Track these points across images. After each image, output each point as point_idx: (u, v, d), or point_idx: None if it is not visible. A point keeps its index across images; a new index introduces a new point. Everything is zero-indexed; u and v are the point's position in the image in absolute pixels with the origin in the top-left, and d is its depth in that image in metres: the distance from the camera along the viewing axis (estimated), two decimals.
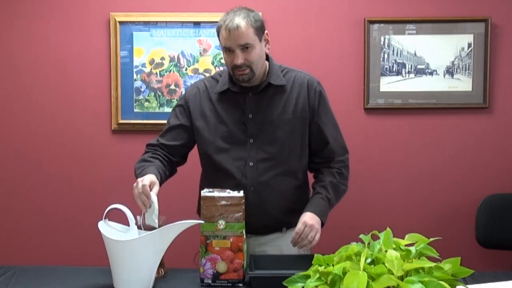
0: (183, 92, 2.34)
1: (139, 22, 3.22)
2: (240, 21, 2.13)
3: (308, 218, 2.17)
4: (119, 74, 3.23)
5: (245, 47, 2.14)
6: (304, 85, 2.27)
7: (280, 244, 2.28)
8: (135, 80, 3.25)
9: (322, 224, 2.22)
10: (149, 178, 2.06)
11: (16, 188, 3.31)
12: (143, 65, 3.24)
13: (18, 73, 3.27)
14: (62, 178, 3.29)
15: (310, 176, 2.40)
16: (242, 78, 2.19)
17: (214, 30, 3.18)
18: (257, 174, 2.23)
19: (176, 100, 3.24)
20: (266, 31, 2.23)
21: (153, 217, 2.02)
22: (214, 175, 2.28)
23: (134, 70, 3.24)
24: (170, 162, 2.32)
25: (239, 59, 2.15)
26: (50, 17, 3.24)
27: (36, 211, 3.30)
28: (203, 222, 2.02)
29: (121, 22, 3.21)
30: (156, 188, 2.06)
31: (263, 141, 2.24)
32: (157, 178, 2.11)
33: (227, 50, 2.18)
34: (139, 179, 2.04)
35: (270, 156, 2.23)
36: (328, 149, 2.30)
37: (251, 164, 2.23)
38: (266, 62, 2.27)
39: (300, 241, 2.15)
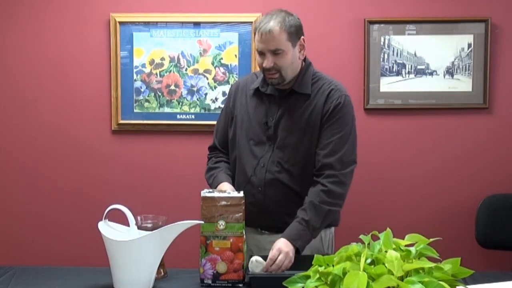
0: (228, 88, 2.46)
1: (139, 22, 3.22)
2: (274, 25, 2.14)
3: (283, 245, 2.09)
4: (119, 75, 3.23)
5: (276, 52, 2.15)
6: (324, 95, 2.24)
7: None
8: (135, 80, 3.25)
9: (298, 250, 2.13)
10: (228, 188, 2.20)
11: (15, 188, 3.30)
12: (143, 65, 3.24)
13: (18, 74, 3.26)
14: (62, 178, 3.29)
15: None
16: (271, 81, 2.22)
17: (214, 31, 3.22)
18: (265, 175, 2.25)
19: (176, 100, 3.24)
20: (302, 37, 2.22)
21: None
22: (235, 168, 2.35)
23: (134, 70, 3.24)
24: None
25: (269, 63, 2.16)
26: (50, 18, 3.24)
27: (36, 211, 3.30)
28: (203, 222, 2.02)
29: (121, 23, 3.21)
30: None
31: (277, 145, 2.26)
32: (229, 182, 2.27)
33: (260, 52, 2.20)
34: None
35: (279, 161, 2.25)
36: (322, 161, 2.20)
37: (262, 165, 2.26)
38: (301, 67, 2.26)
39: (274, 268, 2.05)
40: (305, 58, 2.29)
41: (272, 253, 2.07)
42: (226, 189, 2.17)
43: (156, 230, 1.93)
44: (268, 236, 2.29)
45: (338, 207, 2.24)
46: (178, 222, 1.94)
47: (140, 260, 1.92)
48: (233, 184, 2.28)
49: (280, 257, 2.05)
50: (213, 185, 2.27)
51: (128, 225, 2.03)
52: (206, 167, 2.41)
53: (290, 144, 2.24)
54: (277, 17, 2.16)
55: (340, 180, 2.19)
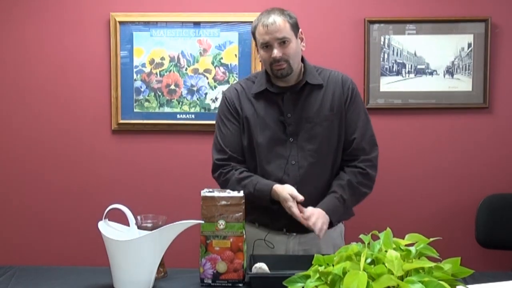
0: (222, 94, 2.38)
1: (139, 22, 3.22)
2: (276, 17, 2.19)
3: (316, 213, 2.15)
4: (119, 74, 3.23)
5: (283, 41, 2.18)
6: (338, 82, 2.30)
7: (319, 243, 2.25)
8: (135, 80, 3.25)
9: (331, 224, 2.21)
10: (288, 190, 2.16)
11: (15, 188, 3.31)
12: (143, 65, 3.24)
13: (18, 73, 3.27)
14: (62, 178, 3.29)
15: None
16: (280, 73, 2.22)
17: (214, 30, 3.22)
18: (299, 172, 2.25)
19: (176, 100, 3.24)
20: (300, 30, 2.27)
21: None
22: (259, 174, 2.28)
23: (134, 70, 3.24)
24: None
25: (278, 53, 2.18)
26: (50, 17, 3.24)
27: (36, 211, 3.30)
28: (203, 222, 2.02)
29: (121, 22, 3.21)
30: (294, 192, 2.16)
31: (303, 138, 2.26)
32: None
33: (265, 46, 2.21)
34: (289, 200, 2.13)
35: (311, 153, 2.25)
36: (354, 146, 2.28)
37: (293, 162, 2.25)
38: (301, 63, 2.30)
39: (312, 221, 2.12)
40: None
41: (306, 213, 2.13)
42: (292, 192, 2.15)
43: (156, 230, 1.93)
44: (295, 238, 2.29)
45: (370, 190, 2.33)
46: (178, 222, 1.94)
47: (140, 260, 1.92)
48: None
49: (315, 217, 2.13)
50: (258, 190, 2.20)
51: (128, 225, 2.03)
52: (227, 179, 2.26)
53: (319, 134, 2.25)
54: (275, 11, 2.21)
55: (373, 164, 2.30)
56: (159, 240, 1.93)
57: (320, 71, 2.34)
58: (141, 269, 1.94)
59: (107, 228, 2.01)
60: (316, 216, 2.14)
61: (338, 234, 2.36)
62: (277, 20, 2.17)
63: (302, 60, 2.31)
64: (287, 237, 2.30)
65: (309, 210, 2.16)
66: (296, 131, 2.26)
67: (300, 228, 2.21)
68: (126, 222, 2.03)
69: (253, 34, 2.26)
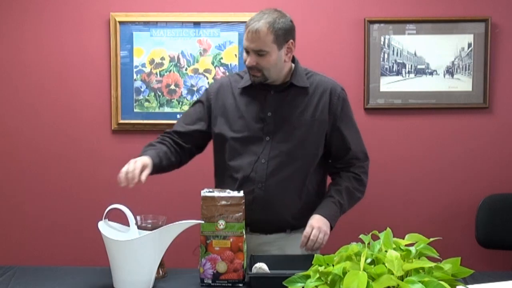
0: (205, 88, 2.38)
1: (139, 22, 3.22)
2: (262, 26, 2.14)
3: (316, 221, 2.18)
4: (119, 74, 3.23)
5: (260, 53, 2.16)
6: (327, 90, 2.28)
7: (283, 245, 2.27)
8: (135, 80, 3.25)
9: (331, 228, 2.22)
10: (142, 160, 2.13)
11: (15, 188, 3.30)
12: (143, 65, 3.24)
13: (18, 74, 3.26)
14: (62, 178, 3.29)
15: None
16: (253, 79, 2.23)
17: (214, 30, 3.22)
18: (267, 171, 2.23)
19: (176, 100, 3.24)
20: (291, 40, 2.21)
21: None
22: (227, 169, 2.29)
23: (134, 70, 3.24)
24: (181, 148, 2.34)
25: (251, 62, 2.18)
26: (49, 17, 3.24)
27: (36, 211, 3.30)
28: (203, 222, 2.01)
29: (121, 22, 3.20)
30: (147, 171, 2.12)
31: (278, 139, 2.25)
32: (154, 161, 2.17)
33: (245, 50, 2.21)
34: (133, 159, 2.11)
35: (282, 154, 2.24)
36: (350, 155, 2.31)
37: (263, 161, 2.24)
38: (292, 64, 2.28)
39: (310, 245, 2.15)
40: (293, 56, 2.28)
41: (306, 230, 2.16)
42: (144, 162, 2.12)
43: (156, 230, 1.93)
44: (259, 237, 2.29)
45: (363, 195, 2.37)
46: (178, 222, 1.94)
47: (140, 260, 1.92)
48: (159, 169, 2.22)
49: (314, 232, 2.15)
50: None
51: (128, 225, 2.03)
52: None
53: (295, 137, 2.24)
54: (268, 17, 2.16)
55: (366, 170, 2.37)
56: (159, 240, 1.93)
57: (310, 75, 2.31)
58: (141, 269, 1.94)
59: (107, 228, 2.01)
60: (317, 230, 2.16)
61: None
62: (261, 30, 2.13)
63: (294, 61, 2.29)
64: (250, 236, 2.25)
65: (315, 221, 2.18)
66: (274, 130, 2.25)
67: (260, 228, 2.25)
68: (126, 222, 2.03)
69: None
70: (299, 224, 2.24)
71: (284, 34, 2.18)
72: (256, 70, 2.19)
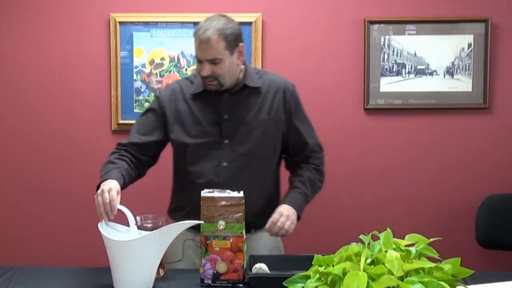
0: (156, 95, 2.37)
1: (139, 22, 3.22)
2: (212, 34, 2.14)
3: (285, 209, 2.22)
4: (119, 75, 3.23)
5: (214, 62, 2.17)
6: (280, 89, 2.31)
7: (249, 245, 2.25)
8: (135, 80, 3.25)
9: (298, 218, 2.26)
10: (115, 188, 2.05)
11: (15, 188, 3.30)
12: (143, 65, 3.24)
13: (17, 74, 3.26)
14: (62, 178, 3.29)
15: (282, 181, 2.42)
16: (209, 87, 2.24)
17: None
18: (230, 174, 2.25)
19: None
20: (241, 44, 2.23)
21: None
22: (187, 175, 2.30)
23: (134, 70, 3.24)
24: (139, 162, 2.32)
25: (206, 71, 2.18)
26: (49, 17, 3.24)
27: (36, 211, 3.30)
28: (203, 222, 2.02)
29: (121, 23, 3.21)
30: (119, 197, 2.05)
31: (237, 141, 2.27)
32: (120, 183, 2.10)
33: (198, 60, 2.21)
34: (105, 188, 2.03)
35: (243, 156, 2.26)
36: (308, 149, 2.36)
37: (224, 164, 2.26)
38: (242, 66, 2.29)
39: (275, 230, 2.19)
40: None
41: (274, 216, 2.19)
42: (117, 189, 2.06)
43: (156, 230, 1.93)
44: None
45: (322, 185, 2.40)
46: (178, 222, 1.95)
47: (140, 260, 1.92)
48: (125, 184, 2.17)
49: (281, 219, 2.18)
50: (102, 178, 2.14)
51: (128, 225, 2.03)
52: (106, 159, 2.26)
53: (254, 137, 2.26)
54: (216, 24, 2.17)
55: (323, 161, 2.41)
56: (159, 240, 1.93)
57: (261, 74, 2.34)
58: (141, 270, 1.94)
59: (107, 229, 2.01)
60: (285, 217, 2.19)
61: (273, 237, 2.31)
62: (212, 38, 2.14)
63: (244, 63, 2.30)
64: None
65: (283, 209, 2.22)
66: (232, 133, 2.26)
67: None
68: (126, 222, 2.03)
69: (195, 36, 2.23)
70: (262, 223, 2.25)
71: (235, 39, 2.20)
72: (212, 78, 2.20)
